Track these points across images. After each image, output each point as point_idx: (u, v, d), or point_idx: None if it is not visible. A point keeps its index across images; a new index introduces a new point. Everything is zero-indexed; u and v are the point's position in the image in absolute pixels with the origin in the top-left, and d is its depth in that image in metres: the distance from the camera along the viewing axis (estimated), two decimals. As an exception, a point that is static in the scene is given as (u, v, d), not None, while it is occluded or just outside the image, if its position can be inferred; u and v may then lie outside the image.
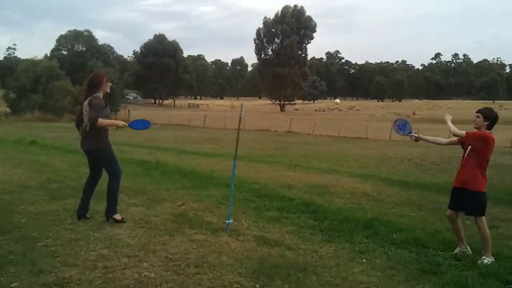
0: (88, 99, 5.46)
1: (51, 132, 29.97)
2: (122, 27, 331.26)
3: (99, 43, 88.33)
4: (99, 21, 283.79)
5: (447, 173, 15.28)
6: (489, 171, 15.83)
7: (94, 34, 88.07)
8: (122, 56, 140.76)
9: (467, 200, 4.85)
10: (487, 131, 4.92)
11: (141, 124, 5.91)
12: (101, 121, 5.41)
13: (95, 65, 59.93)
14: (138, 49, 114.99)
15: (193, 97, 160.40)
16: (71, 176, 9.09)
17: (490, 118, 4.91)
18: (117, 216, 5.65)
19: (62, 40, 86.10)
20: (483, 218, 4.85)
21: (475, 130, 4.98)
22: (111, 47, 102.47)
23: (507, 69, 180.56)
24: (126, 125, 5.70)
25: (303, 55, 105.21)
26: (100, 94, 5.57)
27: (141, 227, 5.50)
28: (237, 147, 5.76)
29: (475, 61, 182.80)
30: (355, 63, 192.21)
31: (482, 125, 4.91)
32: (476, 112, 5.00)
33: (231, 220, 5.54)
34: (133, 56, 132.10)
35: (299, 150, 23.17)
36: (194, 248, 4.77)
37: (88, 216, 5.75)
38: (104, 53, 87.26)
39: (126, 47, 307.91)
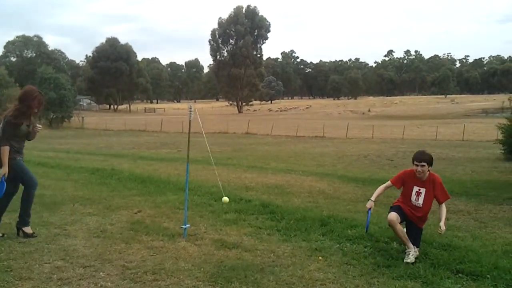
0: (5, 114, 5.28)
1: (1, 142, 28.98)
2: (73, 31, 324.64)
3: (50, 48, 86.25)
4: (48, 26, 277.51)
5: (402, 167, 15.70)
6: (442, 164, 16.42)
7: (44, 39, 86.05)
8: (74, 61, 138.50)
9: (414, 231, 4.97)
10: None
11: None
12: (3, 152, 5.15)
13: (46, 71, 58.28)
14: (90, 54, 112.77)
15: (149, 101, 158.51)
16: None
17: (432, 162, 4.93)
18: (28, 229, 5.41)
19: (10, 46, 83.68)
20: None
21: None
22: (62, 52, 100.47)
23: (457, 64, 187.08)
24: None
25: (258, 55, 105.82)
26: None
27: (97, 237, 5.41)
28: (188, 151, 5.76)
29: (426, 57, 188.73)
30: (311, 62, 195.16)
31: (426, 172, 4.92)
32: (419, 162, 4.88)
33: (188, 225, 5.52)
34: (86, 60, 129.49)
35: (257, 151, 23.32)
36: (151, 255, 4.73)
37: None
38: (55, 59, 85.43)
39: (78, 52, 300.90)
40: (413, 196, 4.97)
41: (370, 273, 4.29)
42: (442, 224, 4.78)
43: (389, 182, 5.14)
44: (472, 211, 7.58)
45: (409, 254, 4.64)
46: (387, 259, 4.66)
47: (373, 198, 5.07)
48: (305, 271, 4.32)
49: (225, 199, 5.68)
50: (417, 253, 4.75)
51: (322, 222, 6.09)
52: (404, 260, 4.59)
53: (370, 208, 5.03)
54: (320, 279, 4.11)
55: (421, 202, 4.93)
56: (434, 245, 5.13)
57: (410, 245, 4.75)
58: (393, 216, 4.79)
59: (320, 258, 4.69)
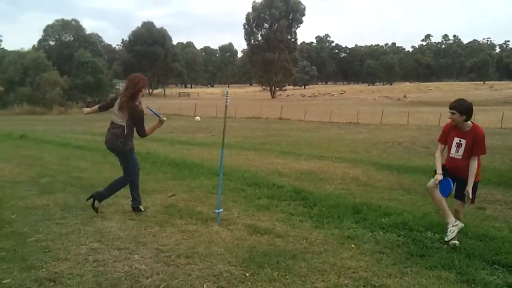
0: (128, 105, 5.51)
1: (40, 125, 29.85)
2: (110, 15, 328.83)
3: (87, 32, 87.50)
4: (86, 9, 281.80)
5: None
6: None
7: (81, 23, 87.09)
8: (111, 45, 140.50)
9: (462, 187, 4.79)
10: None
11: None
12: (149, 130, 5.77)
13: (83, 55, 59.48)
14: (126, 38, 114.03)
15: (183, 85, 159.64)
16: (61, 170, 9.07)
17: (467, 112, 4.70)
18: (98, 204, 5.78)
19: (49, 30, 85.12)
20: None
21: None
22: (99, 36, 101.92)
23: (497, 49, 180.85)
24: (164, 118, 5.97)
25: (292, 39, 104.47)
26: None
27: (132, 219, 5.52)
28: (224, 136, 5.78)
29: (465, 41, 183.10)
30: (345, 46, 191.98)
31: (459, 121, 4.74)
32: (450, 109, 4.76)
33: (221, 210, 5.58)
34: (122, 44, 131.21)
35: (290, 137, 23.23)
36: (185, 239, 4.80)
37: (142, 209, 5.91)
38: (92, 43, 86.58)
39: (115, 36, 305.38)
40: (453, 148, 4.85)
41: (403, 262, 4.24)
42: (469, 189, 4.66)
43: (439, 144, 5.06)
44: (509, 202, 7.38)
45: (449, 229, 4.50)
46: (421, 248, 4.60)
47: (438, 171, 4.84)
48: (337, 258, 4.31)
49: (197, 118, 5.82)
50: (459, 227, 4.61)
51: (355, 210, 6.04)
52: (445, 239, 4.49)
53: (440, 180, 4.82)
54: (352, 267, 4.09)
55: (461, 154, 4.79)
56: (469, 235, 5.02)
57: (451, 218, 4.60)
58: (430, 182, 4.76)
59: (353, 246, 4.67)
